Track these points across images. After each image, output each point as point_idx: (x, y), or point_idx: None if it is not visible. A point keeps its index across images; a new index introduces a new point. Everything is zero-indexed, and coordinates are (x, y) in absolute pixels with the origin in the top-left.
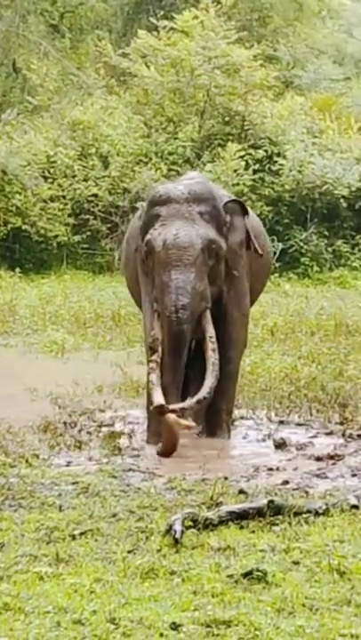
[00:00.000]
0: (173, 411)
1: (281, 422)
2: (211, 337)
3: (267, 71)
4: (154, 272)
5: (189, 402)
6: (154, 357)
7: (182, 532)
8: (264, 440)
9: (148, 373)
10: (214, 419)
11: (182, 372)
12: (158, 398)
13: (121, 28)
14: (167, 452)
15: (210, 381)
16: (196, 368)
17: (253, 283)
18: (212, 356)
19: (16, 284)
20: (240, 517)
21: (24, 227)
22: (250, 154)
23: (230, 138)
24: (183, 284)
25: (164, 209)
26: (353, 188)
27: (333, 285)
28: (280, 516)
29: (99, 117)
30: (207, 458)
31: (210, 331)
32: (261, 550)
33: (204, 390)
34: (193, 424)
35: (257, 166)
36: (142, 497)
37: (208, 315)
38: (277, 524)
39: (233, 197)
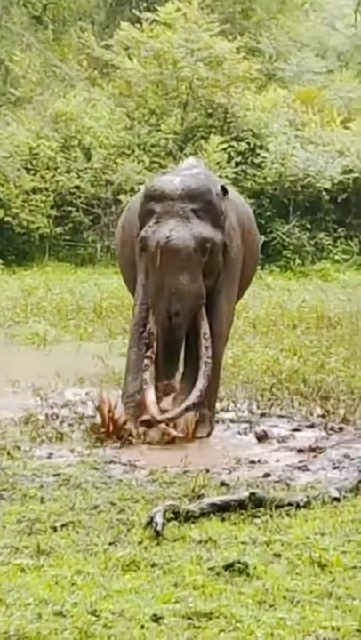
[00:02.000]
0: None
1: (263, 415)
2: (205, 334)
3: (249, 64)
4: (148, 268)
5: (178, 410)
6: (148, 353)
7: (163, 525)
8: (246, 432)
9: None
10: None
11: (176, 371)
12: (152, 407)
13: (104, 19)
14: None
15: (201, 384)
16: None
17: (244, 270)
18: (205, 354)
19: None
20: (221, 510)
21: (6, 218)
22: (232, 146)
23: (213, 130)
24: (176, 290)
25: (158, 205)
26: (335, 181)
27: (315, 278)
28: (261, 509)
29: (81, 109)
30: (188, 450)
31: (204, 327)
32: (243, 543)
33: (195, 394)
34: (181, 435)
35: (239, 159)
36: (124, 489)
37: (203, 311)
38: (259, 517)
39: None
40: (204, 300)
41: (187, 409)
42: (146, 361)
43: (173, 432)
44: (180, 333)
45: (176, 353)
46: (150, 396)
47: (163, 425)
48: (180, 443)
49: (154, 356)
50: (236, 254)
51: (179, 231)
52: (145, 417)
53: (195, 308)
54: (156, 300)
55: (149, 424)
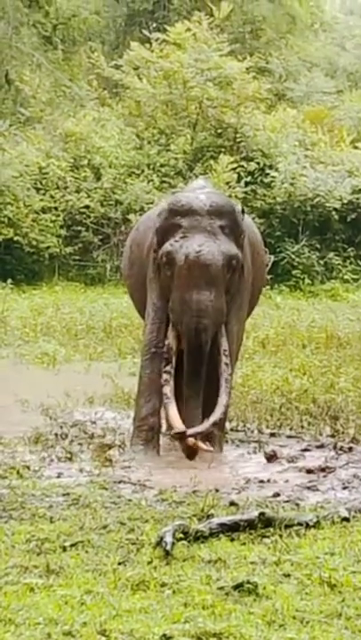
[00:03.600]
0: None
1: (272, 435)
2: (225, 351)
3: (259, 84)
4: (171, 283)
5: (206, 424)
6: (167, 368)
7: (173, 544)
8: (255, 452)
9: (144, 376)
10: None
11: (202, 386)
12: (176, 421)
13: (114, 40)
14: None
15: (224, 400)
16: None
17: (252, 291)
18: (226, 372)
19: (7, 295)
20: (231, 529)
21: (16, 238)
22: (242, 166)
23: (222, 150)
24: (204, 306)
25: (185, 220)
26: (345, 201)
27: (325, 298)
28: (271, 529)
29: (91, 129)
30: (198, 470)
31: (224, 345)
32: (252, 562)
33: (219, 410)
34: (211, 448)
35: (249, 178)
36: (133, 509)
37: (223, 329)
38: (268, 537)
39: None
40: (225, 317)
41: (213, 424)
42: (165, 376)
43: (203, 446)
44: (206, 348)
45: (202, 368)
46: (173, 410)
47: (191, 439)
48: (193, 461)
49: (173, 371)
50: (247, 275)
51: (208, 246)
52: (179, 430)
53: (219, 324)
54: (181, 315)
55: (182, 436)
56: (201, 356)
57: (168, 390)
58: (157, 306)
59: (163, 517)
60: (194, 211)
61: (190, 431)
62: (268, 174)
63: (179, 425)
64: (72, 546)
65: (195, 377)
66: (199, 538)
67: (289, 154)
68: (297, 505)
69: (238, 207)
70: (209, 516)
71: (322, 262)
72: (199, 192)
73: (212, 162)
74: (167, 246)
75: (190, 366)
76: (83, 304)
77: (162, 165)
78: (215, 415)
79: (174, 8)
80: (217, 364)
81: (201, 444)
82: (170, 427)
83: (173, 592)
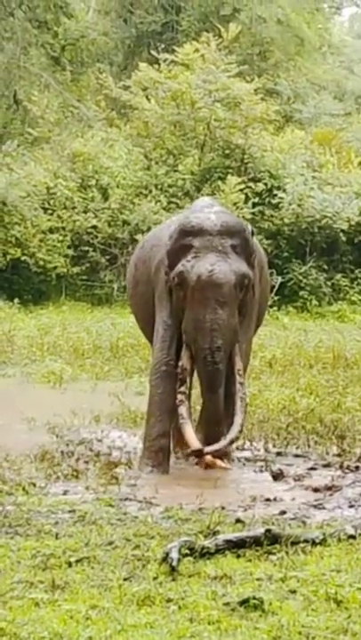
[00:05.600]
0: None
1: (279, 454)
2: (239, 370)
3: (267, 105)
4: (183, 303)
5: (223, 442)
6: (182, 389)
7: (179, 560)
8: (261, 471)
9: (154, 395)
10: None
11: (222, 405)
12: (193, 440)
13: (122, 60)
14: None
15: (240, 418)
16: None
17: (259, 310)
18: (241, 391)
19: (15, 314)
20: (237, 546)
21: (23, 258)
22: (250, 187)
23: (230, 171)
24: (218, 326)
25: (196, 240)
26: (352, 223)
27: (332, 319)
28: (277, 546)
29: (99, 149)
30: (204, 488)
31: (238, 364)
32: (258, 579)
33: (236, 429)
34: (229, 466)
35: (257, 199)
36: (139, 525)
37: (237, 348)
38: (274, 554)
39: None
40: (238, 335)
41: (231, 442)
42: (180, 396)
43: (221, 463)
44: (222, 367)
45: (220, 387)
46: (189, 429)
47: (209, 457)
48: (200, 479)
49: (188, 392)
50: (254, 295)
51: (220, 266)
52: (197, 447)
53: (233, 343)
54: (195, 335)
55: (200, 454)
56: (218, 376)
57: (184, 410)
58: (168, 324)
59: (169, 534)
60: (205, 231)
61: (208, 449)
62: (275, 195)
63: (196, 443)
64: (77, 562)
65: (213, 396)
66: (205, 554)
67: (297, 175)
68: (303, 523)
69: (248, 227)
70: (215, 533)
71: (329, 284)
72: (207, 211)
73: (219, 182)
74: (179, 267)
75: (207, 387)
76: (90, 324)
77: (169, 186)
78: (232, 433)
79: (183, 29)
80: (231, 384)
81: (220, 462)
82: (182, 445)
83: (179, 607)
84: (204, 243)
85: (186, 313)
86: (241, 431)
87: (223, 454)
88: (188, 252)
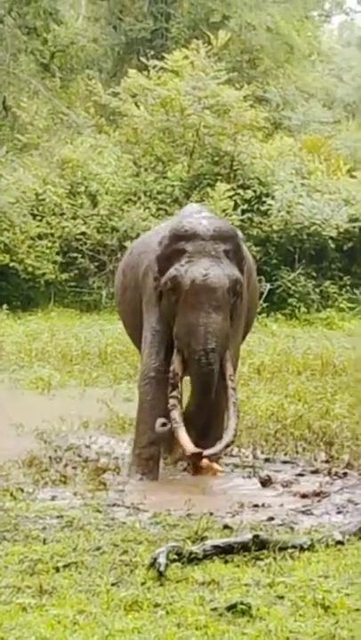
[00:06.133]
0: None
1: (267, 460)
2: (231, 375)
3: (256, 112)
4: (175, 308)
5: (219, 447)
6: (174, 393)
7: (167, 566)
8: (250, 477)
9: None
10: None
11: (214, 409)
12: (188, 444)
13: (111, 67)
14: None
15: (234, 422)
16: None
17: (247, 317)
18: (233, 396)
19: (3, 320)
20: (225, 552)
21: (12, 264)
22: (239, 194)
23: (219, 178)
24: (212, 329)
25: (190, 245)
26: (341, 230)
27: (321, 326)
28: (265, 551)
29: (88, 156)
30: (192, 494)
31: (229, 369)
32: (246, 584)
33: (230, 433)
34: (223, 469)
35: (246, 206)
36: (127, 531)
37: (228, 353)
38: (262, 559)
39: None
40: (229, 340)
41: (227, 446)
42: (172, 401)
43: (218, 467)
44: (216, 369)
45: (212, 391)
46: (183, 433)
47: (205, 460)
48: (188, 485)
49: (180, 396)
50: (245, 301)
51: (214, 270)
52: (195, 450)
53: (225, 347)
54: (188, 339)
55: (199, 457)
56: (210, 380)
57: (177, 415)
58: (156, 330)
59: (156, 539)
60: (198, 235)
61: (206, 452)
62: (264, 202)
63: (192, 447)
64: (65, 567)
65: (205, 400)
66: (193, 560)
67: (286, 182)
68: (291, 528)
69: (240, 232)
70: (203, 539)
71: (318, 291)
72: (198, 217)
73: (208, 189)
74: (172, 271)
75: (201, 390)
76: (78, 330)
77: (158, 193)
78: (227, 438)
79: (172, 36)
80: (223, 389)
81: (216, 466)
82: (174, 451)
83: (167, 613)
84: (198, 247)
85: (178, 317)
86: (235, 435)
87: (216, 459)
88: (181, 257)
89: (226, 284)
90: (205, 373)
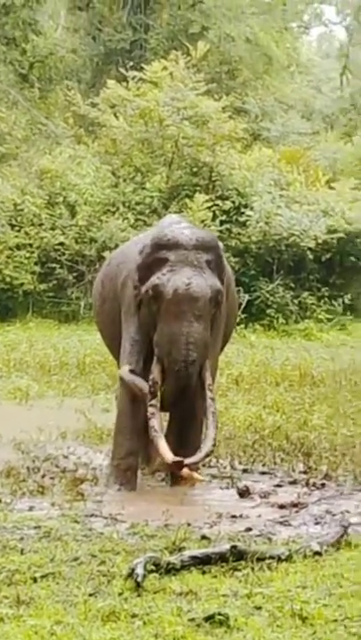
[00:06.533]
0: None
1: (245, 471)
2: (209, 385)
3: (235, 123)
4: (157, 317)
5: (199, 455)
6: (153, 402)
7: (144, 576)
8: (228, 488)
9: (122, 412)
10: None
11: (191, 420)
12: (168, 453)
13: (90, 78)
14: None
15: (213, 432)
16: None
17: (226, 327)
18: (212, 406)
19: None
20: (203, 562)
21: None
22: (217, 205)
23: (198, 189)
24: (193, 339)
25: (172, 254)
26: (319, 241)
27: (299, 337)
28: (243, 562)
29: (67, 166)
30: (170, 504)
31: (208, 379)
32: (224, 595)
33: (209, 443)
34: (204, 478)
35: (224, 217)
36: (104, 541)
37: (207, 363)
38: (240, 570)
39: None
40: (209, 351)
41: (206, 455)
42: (151, 409)
43: (199, 477)
44: (193, 381)
45: (187, 400)
46: (162, 442)
47: (186, 469)
48: (166, 496)
49: (159, 405)
50: (223, 311)
51: (197, 280)
52: (176, 459)
53: (205, 357)
54: (169, 348)
55: (180, 466)
56: (188, 389)
57: (156, 424)
58: (135, 339)
59: (134, 550)
60: (180, 245)
61: (187, 461)
62: (243, 213)
63: (171, 456)
64: (43, 577)
65: (182, 408)
66: (170, 570)
67: (264, 193)
68: (269, 539)
69: (220, 243)
70: (180, 550)
71: (296, 302)
72: (178, 226)
73: (187, 200)
74: (154, 280)
75: (176, 399)
76: (56, 340)
77: (137, 203)
78: (207, 447)
79: (151, 47)
80: (202, 399)
81: (196, 475)
82: (152, 461)
83: (144, 623)
84: (180, 257)
85: (159, 326)
86: (215, 445)
87: (195, 468)
88: (162, 266)
89: (208, 293)
90: (184, 384)
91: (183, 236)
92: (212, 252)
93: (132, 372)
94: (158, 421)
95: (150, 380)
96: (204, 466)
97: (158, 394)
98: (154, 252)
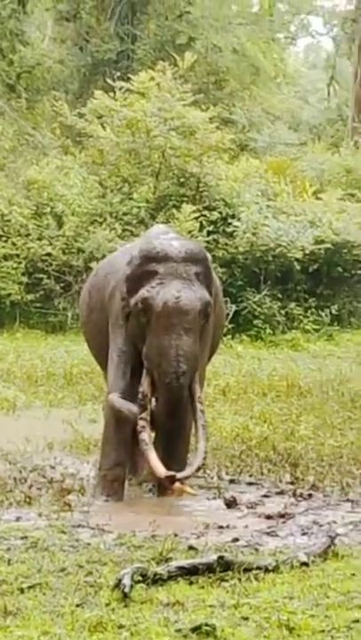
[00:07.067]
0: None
1: (232, 481)
2: (199, 397)
3: (222, 134)
4: (147, 329)
5: (191, 469)
6: (143, 415)
7: (131, 587)
8: (215, 498)
9: (109, 423)
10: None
11: (182, 433)
12: (159, 466)
13: (77, 88)
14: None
15: (203, 445)
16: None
17: (213, 339)
18: (201, 418)
19: None
20: (190, 573)
21: None
22: (204, 215)
23: (185, 199)
24: (183, 352)
25: (161, 266)
26: (307, 251)
27: (286, 348)
28: (230, 572)
29: (54, 177)
30: (157, 515)
31: (198, 391)
32: (211, 605)
33: (200, 456)
34: (197, 493)
35: (211, 228)
36: (92, 552)
37: (197, 376)
38: (227, 580)
39: None
40: (198, 363)
41: (198, 469)
42: (142, 422)
43: (190, 490)
44: (184, 394)
45: (179, 413)
46: (153, 455)
47: (178, 483)
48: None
49: (149, 418)
50: (211, 323)
51: (186, 293)
52: (169, 473)
53: (195, 369)
54: (158, 360)
55: (173, 480)
56: (180, 401)
57: (146, 436)
58: (122, 350)
59: (121, 560)
60: (169, 257)
61: (179, 475)
62: (230, 224)
63: (162, 470)
64: (30, 588)
65: (172, 421)
66: (158, 581)
67: (251, 204)
68: (256, 550)
69: (208, 254)
70: (167, 560)
71: (283, 312)
72: (164, 238)
73: (174, 211)
74: (143, 292)
75: (166, 413)
76: (44, 351)
77: (124, 214)
78: (197, 461)
79: (138, 58)
80: (191, 411)
81: (188, 489)
82: (136, 470)
83: (131, 634)
84: (169, 269)
85: (149, 339)
86: (205, 458)
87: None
88: (152, 278)
89: (197, 306)
90: (175, 396)
91: (172, 248)
92: (200, 264)
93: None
94: (148, 434)
95: (140, 392)
96: (192, 476)
97: (148, 407)
98: (143, 264)
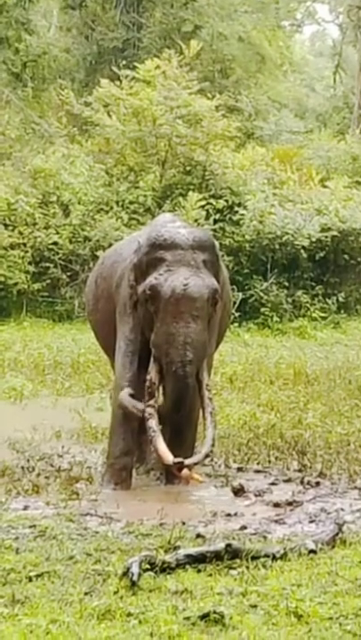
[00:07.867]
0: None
1: (239, 469)
2: (207, 385)
3: (228, 122)
4: (155, 317)
5: (199, 456)
6: (151, 402)
7: (139, 575)
8: (222, 486)
9: (117, 412)
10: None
11: (189, 420)
12: (167, 453)
13: (83, 77)
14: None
15: (212, 432)
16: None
17: (220, 326)
18: (210, 405)
19: None
20: (198, 561)
21: None
22: (211, 203)
23: (191, 187)
24: (191, 340)
25: (169, 254)
26: (313, 239)
27: (293, 336)
28: (238, 560)
29: (60, 166)
30: (165, 503)
31: (206, 378)
32: (219, 593)
33: (209, 443)
34: (204, 480)
35: (218, 216)
36: (100, 540)
37: (204, 363)
38: (235, 568)
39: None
40: (207, 350)
41: (206, 455)
42: (149, 409)
43: (199, 477)
44: (192, 381)
45: (187, 400)
46: (161, 442)
47: (186, 470)
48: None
49: (157, 405)
50: (219, 311)
51: (194, 280)
52: (177, 460)
53: (203, 357)
54: (166, 348)
55: (181, 467)
56: (186, 391)
57: (154, 424)
58: (130, 339)
59: (129, 549)
60: (177, 245)
61: (188, 462)
62: (236, 212)
63: (170, 457)
64: (38, 576)
65: (180, 409)
66: (166, 569)
67: (258, 192)
68: (264, 537)
69: (216, 242)
70: (175, 548)
71: (290, 300)
72: (172, 226)
73: (180, 199)
74: (151, 280)
75: (175, 400)
76: (51, 340)
77: (131, 202)
78: (206, 447)
79: (144, 46)
80: (200, 399)
81: (197, 476)
82: (144, 458)
83: (139, 622)
84: (177, 257)
85: (157, 326)
86: (214, 445)
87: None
88: (159, 266)
89: (205, 293)
90: (182, 384)
91: (180, 235)
92: (208, 252)
93: (131, 395)
94: (156, 422)
95: (148, 380)
96: (200, 464)
97: (156, 394)
98: (150, 251)
